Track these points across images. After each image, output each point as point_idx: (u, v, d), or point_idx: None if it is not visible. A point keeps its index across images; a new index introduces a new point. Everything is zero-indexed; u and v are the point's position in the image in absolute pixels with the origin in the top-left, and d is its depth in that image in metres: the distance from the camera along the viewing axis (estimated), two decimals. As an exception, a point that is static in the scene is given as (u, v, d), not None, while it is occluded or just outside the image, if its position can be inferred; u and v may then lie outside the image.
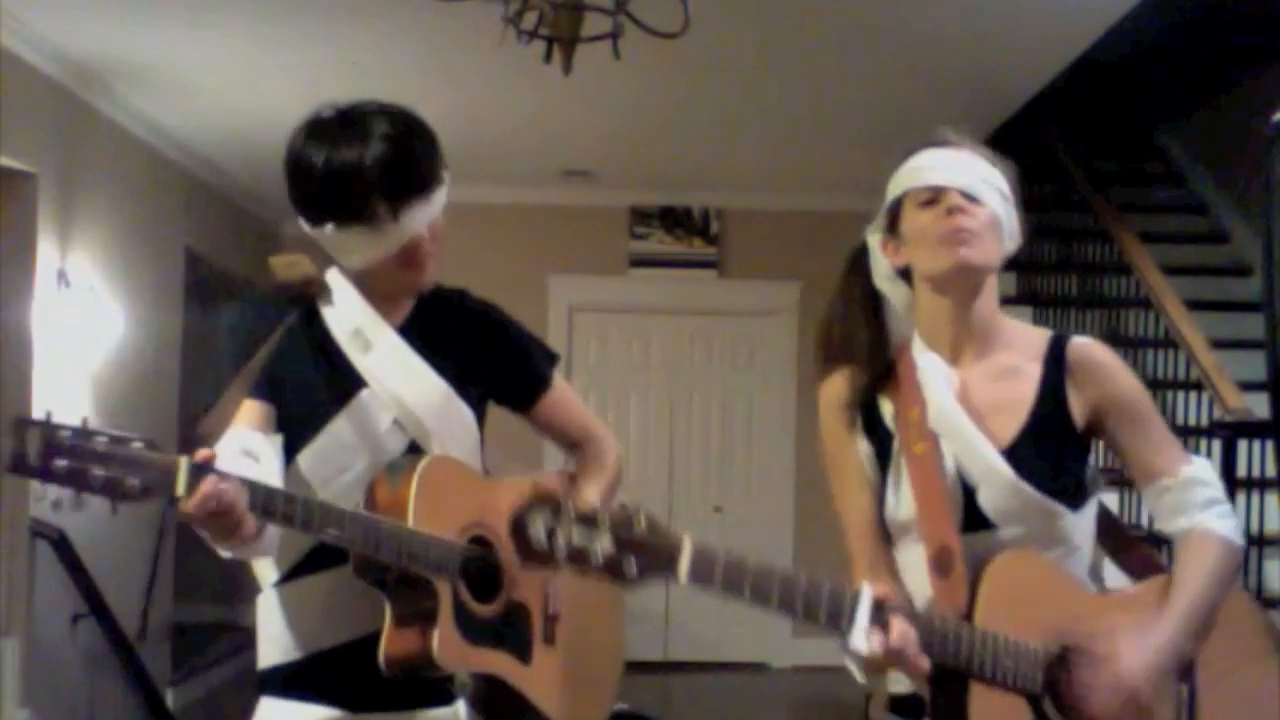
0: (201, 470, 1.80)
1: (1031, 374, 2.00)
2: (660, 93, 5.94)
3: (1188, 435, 5.27)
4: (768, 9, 4.90)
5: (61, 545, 5.33)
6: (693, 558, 1.71)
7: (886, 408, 2.01)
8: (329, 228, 2.09)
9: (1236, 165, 6.90)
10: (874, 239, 2.06)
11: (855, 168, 6.33)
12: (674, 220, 8.13)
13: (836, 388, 2.05)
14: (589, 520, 1.67)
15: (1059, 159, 6.37)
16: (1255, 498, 4.53)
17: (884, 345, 2.06)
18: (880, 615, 1.77)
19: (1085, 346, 2.02)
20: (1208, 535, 1.98)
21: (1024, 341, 2.04)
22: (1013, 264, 6.95)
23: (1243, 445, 4.50)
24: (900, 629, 1.77)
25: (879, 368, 2.03)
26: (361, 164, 2.07)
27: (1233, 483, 4.46)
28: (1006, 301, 6.45)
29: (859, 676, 1.83)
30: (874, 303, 2.08)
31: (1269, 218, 1.73)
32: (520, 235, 8.01)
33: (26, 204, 5.20)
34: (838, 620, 1.77)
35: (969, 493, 1.94)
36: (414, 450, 2.16)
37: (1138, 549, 2.15)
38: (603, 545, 1.67)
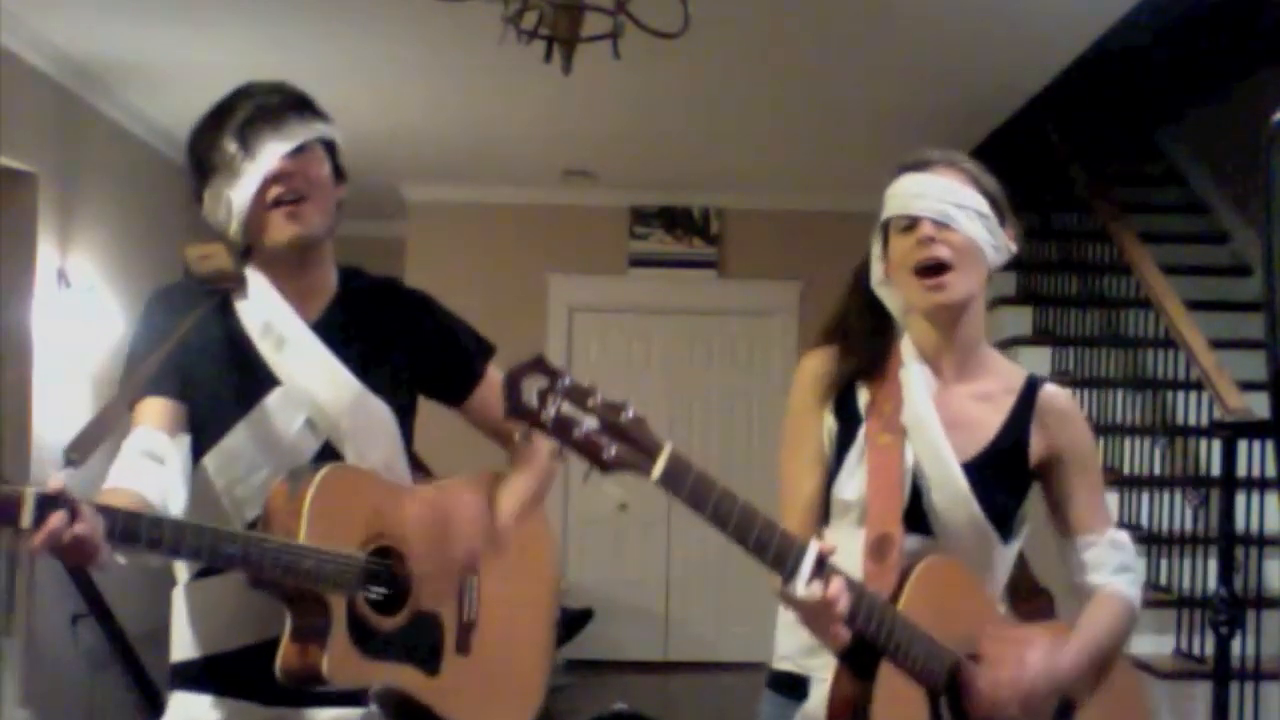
0: (50, 503, 1.70)
1: (1003, 405, 2.10)
2: (660, 93, 5.94)
3: (1188, 435, 5.27)
4: (768, 9, 4.89)
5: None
6: (669, 459, 1.73)
7: (863, 395, 2.08)
8: (205, 197, 2.08)
9: (1236, 165, 6.90)
10: (875, 247, 2.12)
11: (855, 168, 6.33)
12: (674, 220, 8.13)
13: (818, 361, 2.12)
14: (581, 396, 1.68)
15: (1059, 159, 6.37)
16: (1255, 498, 4.52)
17: (885, 351, 2.10)
18: (821, 569, 1.82)
19: (1057, 395, 2.14)
20: (1117, 595, 2.09)
21: (1002, 374, 2.14)
22: (1013, 264, 6.95)
23: (1243, 445, 4.49)
24: (838, 584, 1.82)
25: (872, 361, 2.08)
26: (213, 118, 2.10)
27: (1233, 483, 4.46)
28: (1006, 302, 6.54)
29: (789, 611, 1.89)
30: (878, 312, 2.12)
31: (1269, 218, 1.73)
32: (520, 235, 8.01)
33: (26, 204, 5.21)
34: (783, 562, 1.82)
35: (917, 494, 2.01)
36: (327, 451, 2.10)
37: (1038, 599, 2.21)
38: (589, 422, 1.68)
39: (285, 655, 1.98)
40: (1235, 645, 4.32)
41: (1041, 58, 5.44)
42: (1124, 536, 2.14)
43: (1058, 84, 5.71)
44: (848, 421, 2.06)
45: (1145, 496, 5.31)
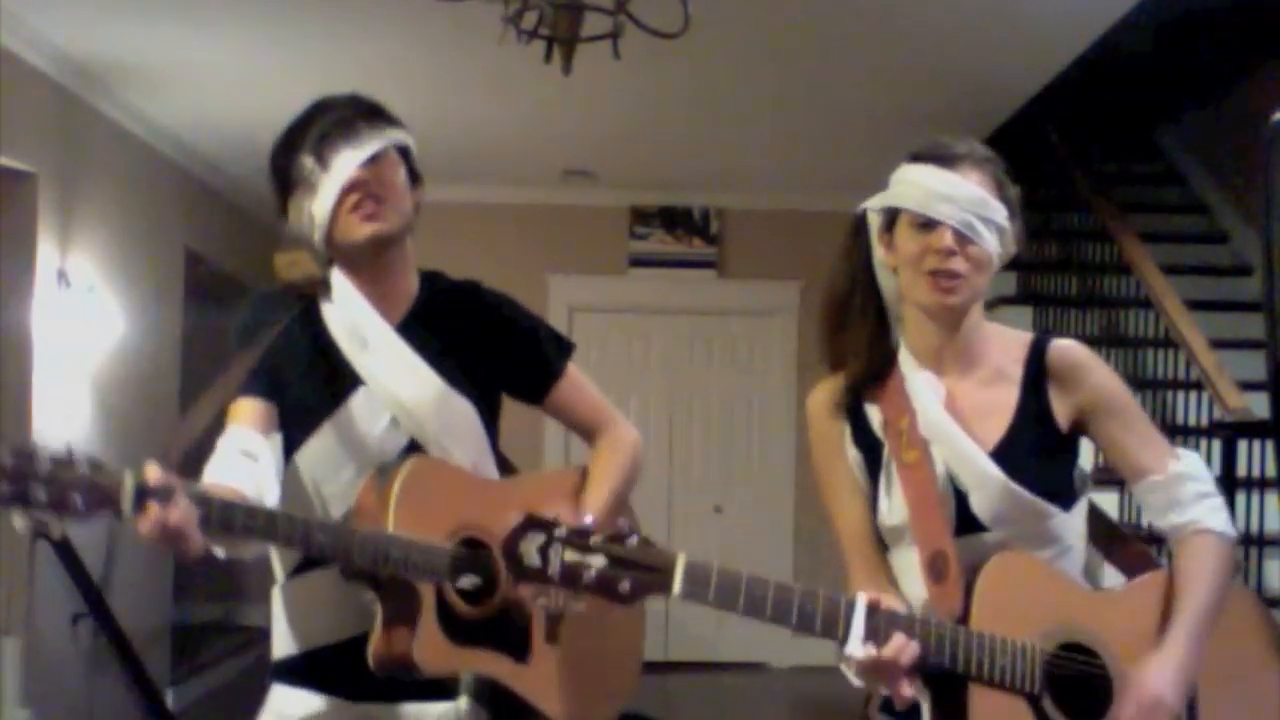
0: (149, 491, 1.80)
1: (1014, 378, 2.02)
2: (660, 93, 5.94)
3: (1188, 435, 5.26)
4: (767, 9, 4.89)
5: (61, 545, 5.33)
6: (686, 572, 1.73)
7: (874, 416, 2.03)
8: (289, 209, 2.15)
9: (1236, 165, 6.90)
10: (874, 218, 2.06)
11: (855, 168, 6.32)
12: (674, 220, 8.13)
13: (823, 397, 2.07)
14: (582, 539, 1.70)
15: (1059, 159, 6.37)
16: (1255, 498, 4.52)
17: (886, 356, 2.05)
18: (874, 620, 1.79)
19: (1065, 349, 2.04)
20: (1203, 533, 1.99)
21: (1006, 347, 2.06)
22: (1013, 264, 6.95)
23: (1243, 445, 4.50)
24: (897, 642, 1.79)
25: (876, 362, 2.03)
26: (290, 135, 2.16)
27: (1233, 483, 4.46)
28: (1006, 301, 6.54)
29: (854, 680, 1.85)
30: (874, 279, 2.06)
31: (1269, 218, 1.73)
32: (520, 235, 8.01)
33: (26, 204, 5.20)
34: (833, 629, 1.80)
35: (961, 497, 1.96)
36: (413, 448, 2.16)
37: (1132, 546, 2.16)
38: (596, 563, 1.69)
39: (377, 644, 2.05)
40: (1235, 645, 4.32)
41: (1041, 58, 5.44)
42: (1189, 464, 2.03)
43: (1058, 84, 5.71)
44: (869, 448, 2.03)
45: (1145, 496, 5.30)
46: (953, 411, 1.98)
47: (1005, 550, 1.93)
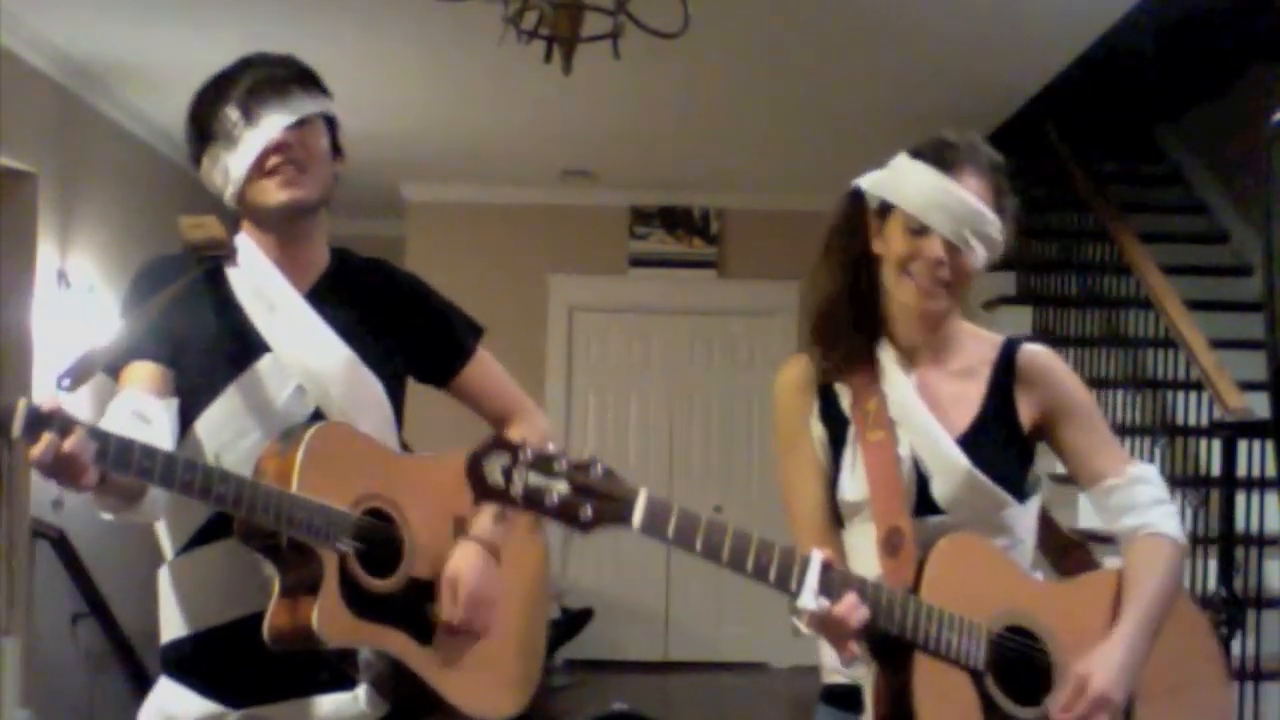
0: (44, 418, 1.74)
1: (983, 375, 2.07)
2: (660, 93, 5.94)
3: (1188, 435, 5.26)
4: (768, 9, 4.89)
5: (61, 545, 5.33)
6: (647, 506, 1.73)
7: (844, 395, 2.06)
8: (203, 162, 2.11)
9: (1236, 165, 6.90)
10: (871, 199, 2.06)
11: (855, 168, 6.30)
12: (674, 220, 8.13)
13: (793, 374, 2.09)
14: (546, 464, 1.69)
15: (1059, 159, 6.37)
16: (1255, 498, 4.52)
17: (865, 345, 2.06)
18: (828, 577, 1.81)
19: (1034, 353, 2.09)
20: (1157, 536, 2.04)
21: (978, 345, 2.11)
22: (1013, 264, 6.97)
23: (1243, 445, 4.49)
24: (849, 599, 1.81)
25: (860, 350, 2.05)
26: (216, 84, 2.10)
27: (1233, 483, 4.45)
28: (1006, 301, 6.54)
29: (803, 630, 1.85)
30: (871, 257, 2.06)
31: (1269, 218, 1.73)
32: (520, 235, 8.01)
33: (26, 204, 5.21)
34: (786, 581, 1.81)
35: (922, 481, 2.00)
36: (318, 418, 2.09)
37: (1075, 552, 2.19)
38: (559, 488, 1.68)
39: (275, 614, 1.96)
40: (1235, 645, 4.32)
41: (1041, 58, 5.44)
42: (1147, 470, 2.08)
43: (1058, 84, 5.71)
44: (835, 425, 2.05)
45: (1145, 496, 5.30)
46: (923, 399, 2.03)
47: (958, 530, 1.97)
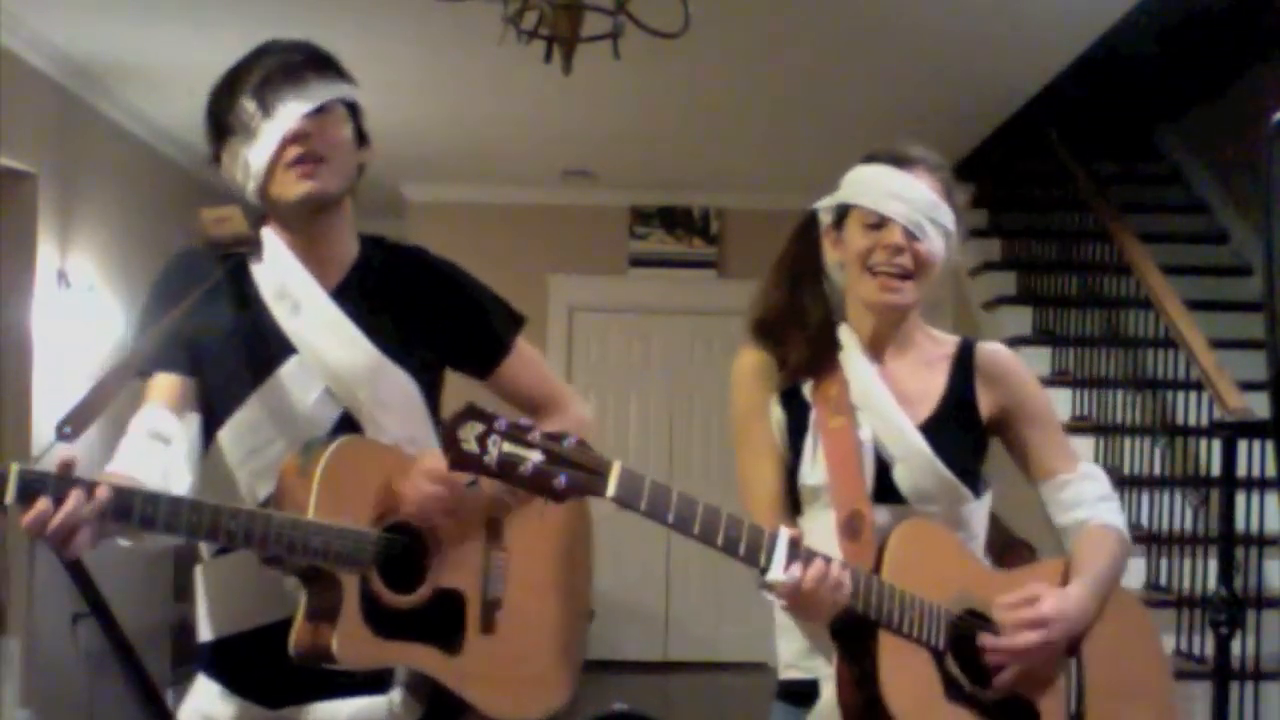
0: (39, 482, 1.68)
1: (942, 368, 2.12)
2: (660, 93, 5.94)
3: (1188, 435, 5.27)
4: (767, 9, 4.90)
5: (61, 545, 5.32)
6: (621, 476, 1.74)
7: (806, 381, 2.09)
8: (223, 157, 2.03)
9: (1236, 165, 6.90)
10: (823, 216, 2.13)
11: (855, 168, 6.32)
12: (674, 220, 8.13)
13: (756, 357, 2.12)
14: (520, 433, 1.69)
15: (1059, 159, 6.37)
16: (1255, 498, 4.52)
17: (830, 322, 2.11)
18: (795, 552, 1.83)
19: (995, 350, 2.16)
20: (1106, 526, 2.11)
21: (936, 345, 2.16)
22: (1013, 264, 6.95)
23: (1243, 445, 4.49)
24: (819, 565, 1.84)
25: (819, 356, 2.08)
26: (231, 77, 2.04)
27: (1233, 483, 4.46)
28: (1006, 301, 6.53)
29: (776, 603, 1.88)
30: (820, 274, 2.13)
31: (1269, 218, 1.73)
32: (520, 235, 8.00)
33: (26, 204, 5.21)
34: (755, 555, 1.83)
35: (884, 468, 2.03)
36: (346, 422, 2.03)
37: (1018, 551, 2.22)
38: (533, 457, 1.69)
39: (298, 634, 1.93)
40: (1235, 645, 4.32)
41: (1041, 58, 5.44)
42: (1095, 469, 2.16)
43: (1058, 84, 5.71)
44: (795, 410, 2.08)
45: (1145, 496, 5.31)
46: (885, 386, 2.07)
47: (917, 516, 2.00)
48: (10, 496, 1.67)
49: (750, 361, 2.12)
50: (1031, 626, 1.96)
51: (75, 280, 5.54)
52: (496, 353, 2.21)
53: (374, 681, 2.04)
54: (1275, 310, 1.72)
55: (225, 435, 2.01)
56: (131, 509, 1.75)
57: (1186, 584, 4.89)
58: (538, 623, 2.18)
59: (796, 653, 2.09)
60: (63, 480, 1.70)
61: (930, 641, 1.94)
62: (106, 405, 1.88)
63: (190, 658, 2.15)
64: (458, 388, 2.23)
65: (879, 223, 2.02)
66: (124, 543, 1.88)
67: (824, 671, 2.02)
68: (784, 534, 1.84)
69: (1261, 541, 4.65)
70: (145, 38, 5.24)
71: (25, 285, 5.20)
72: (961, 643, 1.97)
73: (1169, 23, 5.62)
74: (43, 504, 1.68)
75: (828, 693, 2.01)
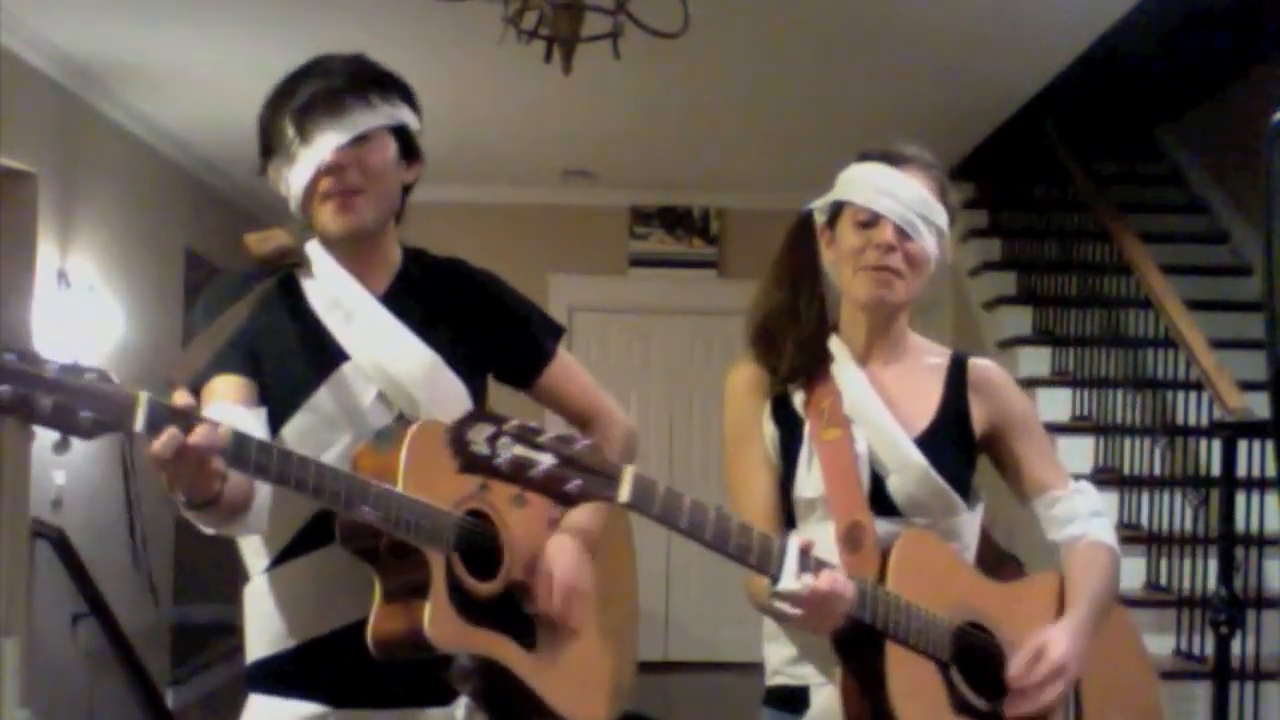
0: (166, 411, 1.67)
1: (935, 380, 2.11)
2: (660, 93, 5.94)
3: (1188, 435, 5.27)
4: (768, 9, 4.90)
5: (61, 545, 5.33)
6: (634, 481, 1.72)
7: (797, 395, 2.08)
8: (269, 170, 2.04)
9: (1236, 165, 6.90)
10: (818, 216, 2.12)
11: (855, 168, 6.31)
12: (674, 220, 8.13)
13: (747, 372, 2.12)
14: (531, 435, 1.67)
15: (1059, 159, 6.37)
16: (1255, 498, 4.52)
17: (824, 329, 2.10)
18: (806, 560, 1.82)
19: (987, 366, 2.14)
20: (1099, 544, 2.10)
21: (927, 353, 2.15)
22: (1013, 264, 6.94)
23: (1243, 445, 4.49)
24: (829, 573, 1.82)
25: (813, 360, 2.07)
26: (282, 98, 2.02)
27: (1233, 483, 4.46)
28: (1006, 301, 6.53)
29: (790, 612, 1.85)
30: (817, 275, 2.12)
31: (1269, 218, 1.73)
32: (520, 235, 8.00)
33: (26, 204, 5.20)
34: (766, 564, 1.81)
35: (878, 480, 2.02)
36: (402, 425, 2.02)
37: (1007, 566, 2.22)
38: (544, 459, 1.66)
39: (379, 619, 1.89)
40: (1235, 645, 4.32)
41: (1041, 58, 5.44)
42: (1085, 485, 2.16)
43: (1058, 84, 5.71)
44: (788, 425, 2.07)
45: (1145, 496, 5.31)
46: (877, 396, 2.05)
47: (916, 529, 2.00)
48: (139, 425, 1.65)
49: (743, 376, 2.12)
50: (1051, 678, 1.94)
51: (75, 280, 5.54)
52: (539, 360, 2.22)
53: (438, 694, 2.02)
54: (1275, 310, 1.72)
55: (283, 440, 1.99)
56: (248, 454, 1.76)
57: (1186, 584, 4.89)
58: (602, 625, 2.19)
59: (785, 659, 2.09)
60: (192, 415, 1.70)
61: (936, 653, 1.93)
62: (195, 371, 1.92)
63: (190, 658, 2.14)
64: (501, 402, 2.22)
65: (871, 220, 2.02)
66: (209, 531, 1.88)
67: (814, 679, 2.02)
68: (794, 542, 1.83)
69: (1261, 541, 4.65)
70: (145, 38, 5.24)
71: (25, 285, 5.20)
72: (965, 654, 1.96)
73: (1169, 23, 5.62)
74: (173, 432, 1.67)
75: (819, 700, 2.01)
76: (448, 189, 7.90)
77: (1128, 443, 5.50)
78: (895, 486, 2.01)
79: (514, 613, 2.04)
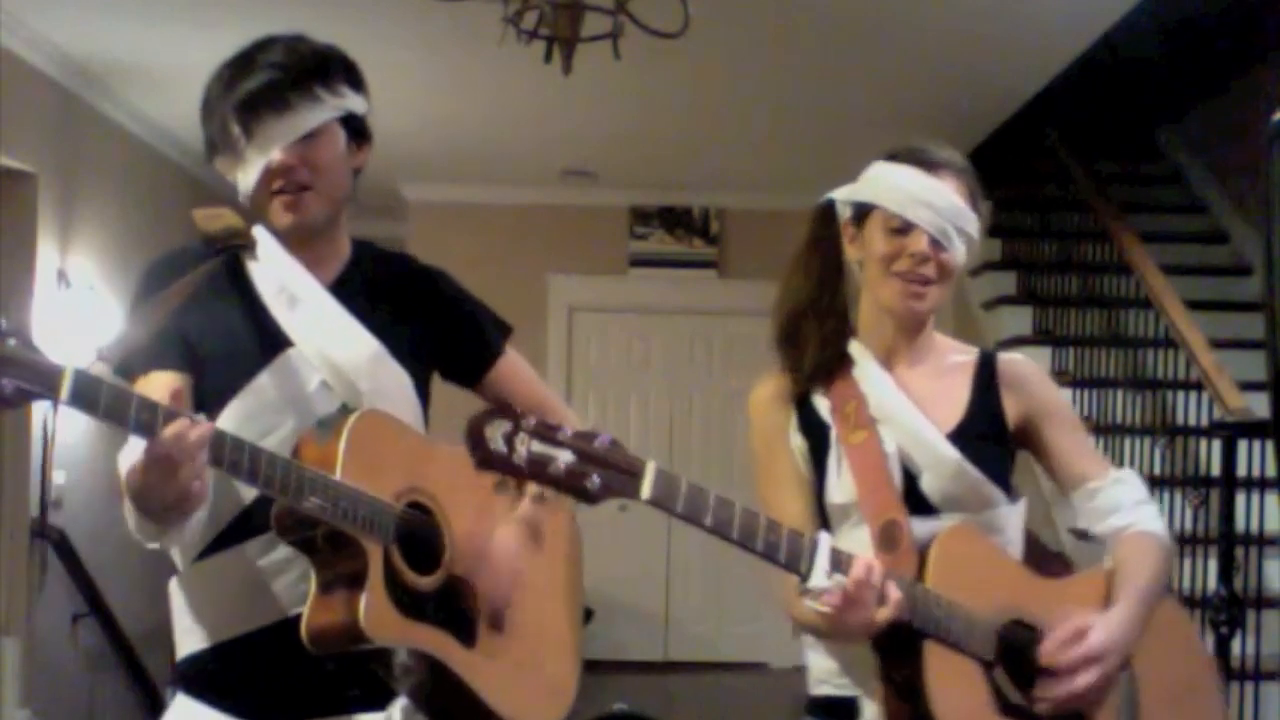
0: (91, 381, 1.65)
1: (964, 377, 2.07)
2: (660, 93, 5.94)
3: (1188, 435, 5.26)
4: (768, 9, 4.89)
5: (61, 545, 5.33)
6: (656, 476, 1.69)
7: (821, 402, 2.04)
8: (217, 162, 2.03)
9: (1236, 165, 6.90)
10: (842, 209, 2.07)
11: (855, 168, 6.31)
12: (674, 220, 8.13)
13: (771, 388, 2.08)
14: (549, 432, 1.62)
15: (1059, 159, 6.37)
16: (1255, 498, 4.52)
17: (845, 326, 2.06)
18: (837, 558, 1.78)
19: (1017, 360, 2.11)
20: (1147, 534, 2.04)
21: (954, 352, 2.11)
22: (1013, 264, 6.93)
23: (1243, 445, 4.49)
24: (862, 563, 1.77)
25: (834, 358, 2.04)
26: (224, 92, 2.00)
27: (1233, 483, 4.45)
28: (1006, 301, 6.53)
29: (821, 609, 1.80)
30: (841, 268, 2.07)
31: (1269, 218, 1.73)
32: (520, 235, 8.00)
33: (26, 204, 5.21)
34: (796, 562, 1.77)
35: (911, 479, 1.97)
36: (344, 413, 1.99)
37: (1054, 565, 2.17)
38: (564, 457, 1.62)
39: (314, 612, 1.84)
40: (1235, 645, 4.32)
41: (1041, 58, 5.44)
42: (1128, 473, 2.10)
43: (1058, 84, 5.71)
44: (815, 433, 2.03)
45: (1145, 496, 5.30)
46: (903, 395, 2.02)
47: (957, 524, 1.95)
48: (64, 395, 1.63)
49: (766, 392, 2.08)
50: (1086, 663, 1.88)
51: (75, 280, 5.54)
52: (487, 357, 2.21)
53: (372, 697, 1.98)
54: (1275, 310, 1.72)
55: (223, 425, 1.93)
56: (224, 450, 1.76)
57: (1186, 584, 4.88)
58: (545, 624, 2.15)
59: (831, 670, 2.03)
60: (190, 417, 1.72)
61: (978, 652, 1.87)
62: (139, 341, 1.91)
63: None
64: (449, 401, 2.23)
65: (904, 228, 1.97)
66: (151, 543, 1.87)
67: (862, 688, 1.96)
68: (825, 539, 1.79)
69: (1261, 541, 4.64)
70: (145, 38, 5.24)
71: (25, 285, 5.20)
72: (1010, 653, 1.90)
73: (1169, 23, 5.63)
74: (183, 423, 1.69)
75: (869, 712, 1.95)
76: (448, 189, 7.90)
77: (1128, 442, 5.50)
78: (929, 483, 1.96)
79: (455, 610, 2.00)
